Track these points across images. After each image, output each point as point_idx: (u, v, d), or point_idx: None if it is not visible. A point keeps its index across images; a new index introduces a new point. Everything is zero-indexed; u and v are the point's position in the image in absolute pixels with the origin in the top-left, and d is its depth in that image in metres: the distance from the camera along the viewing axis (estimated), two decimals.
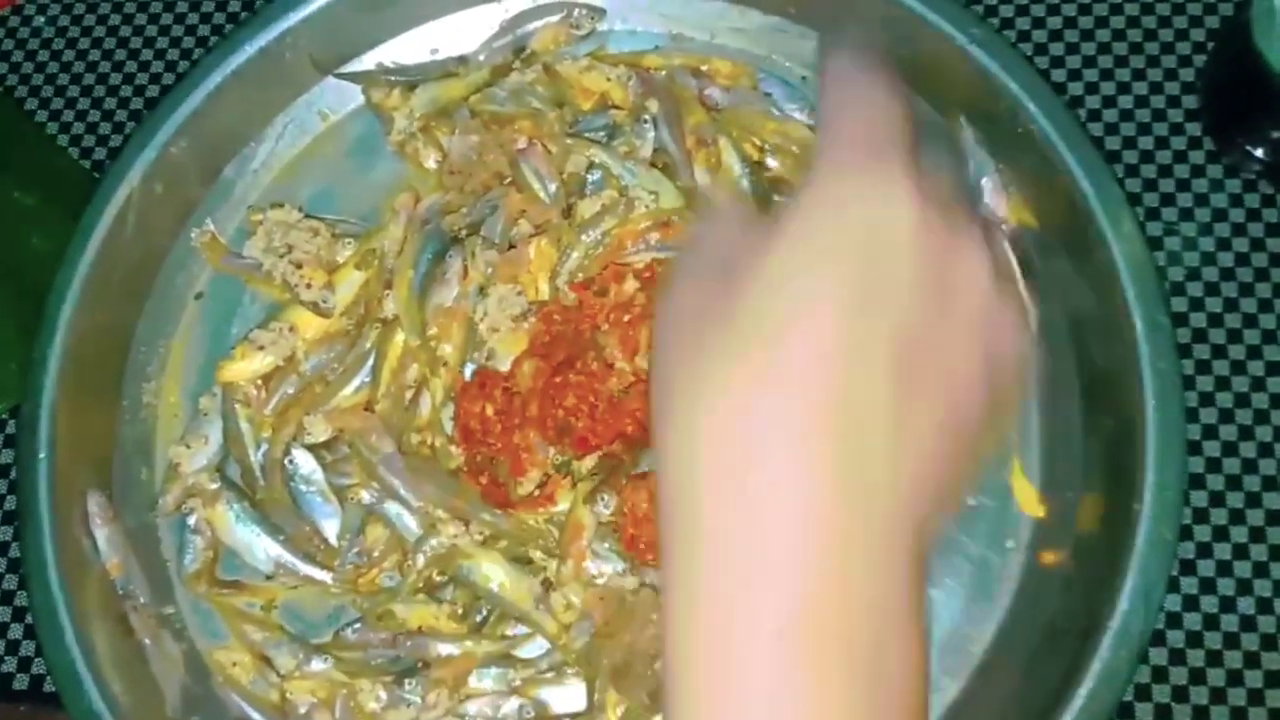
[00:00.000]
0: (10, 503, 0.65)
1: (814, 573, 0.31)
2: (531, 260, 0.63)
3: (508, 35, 0.69)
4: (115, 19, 0.74)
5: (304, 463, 0.61)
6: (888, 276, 0.33)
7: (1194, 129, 0.64)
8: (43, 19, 0.75)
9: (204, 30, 0.74)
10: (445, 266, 0.63)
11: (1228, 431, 0.59)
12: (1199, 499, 0.58)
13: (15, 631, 0.62)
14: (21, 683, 0.61)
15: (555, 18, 0.69)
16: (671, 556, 0.34)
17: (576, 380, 0.58)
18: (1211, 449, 0.59)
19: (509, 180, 0.65)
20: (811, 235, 0.34)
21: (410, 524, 0.60)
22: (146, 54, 0.73)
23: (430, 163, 0.67)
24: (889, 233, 0.33)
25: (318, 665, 0.58)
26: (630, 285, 0.60)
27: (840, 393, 0.32)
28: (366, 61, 0.69)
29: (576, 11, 0.69)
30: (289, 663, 0.58)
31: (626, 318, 0.59)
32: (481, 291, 0.62)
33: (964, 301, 0.34)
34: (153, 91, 0.72)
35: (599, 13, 0.69)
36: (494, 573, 0.58)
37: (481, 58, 0.69)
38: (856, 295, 0.32)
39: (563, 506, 0.59)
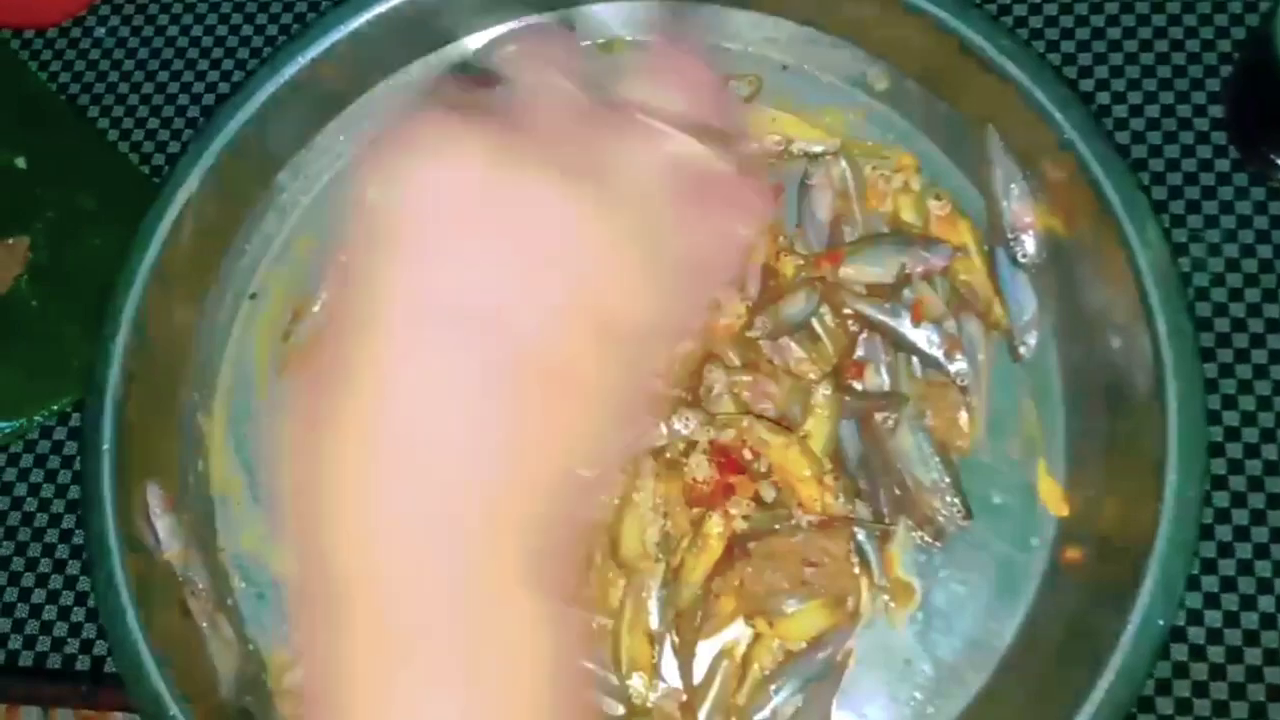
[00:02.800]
0: (74, 492, 0.68)
1: None
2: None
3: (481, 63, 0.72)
4: (173, 30, 0.78)
5: None
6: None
7: (1219, 138, 0.66)
8: (103, 30, 0.78)
9: (258, 41, 0.77)
10: None
11: (1250, 434, 0.61)
12: (1220, 499, 0.60)
13: (78, 614, 0.65)
14: (84, 664, 0.64)
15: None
16: None
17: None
18: (1234, 451, 0.60)
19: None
20: None
21: None
22: (203, 64, 0.76)
23: None
24: None
25: None
26: None
27: None
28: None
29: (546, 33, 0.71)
30: None
31: None
32: None
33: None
34: (209, 100, 0.75)
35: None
36: None
37: None
38: None
39: None
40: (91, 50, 0.78)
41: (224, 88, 0.76)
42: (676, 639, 0.60)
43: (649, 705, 0.59)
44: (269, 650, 0.62)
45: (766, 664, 0.59)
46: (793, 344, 0.63)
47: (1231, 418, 0.61)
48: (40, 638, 0.65)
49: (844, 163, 0.66)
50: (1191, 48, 0.68)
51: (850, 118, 0.68)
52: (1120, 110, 0.67)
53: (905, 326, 0.62)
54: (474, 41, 0.72)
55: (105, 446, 0.62)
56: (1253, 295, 0.63)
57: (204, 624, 0.61)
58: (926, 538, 0.60)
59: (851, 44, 0.69)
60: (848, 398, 0.61)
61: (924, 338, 0.62)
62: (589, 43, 0.72)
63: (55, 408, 0.69)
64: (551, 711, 0.31)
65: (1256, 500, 0.60)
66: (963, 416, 0.62)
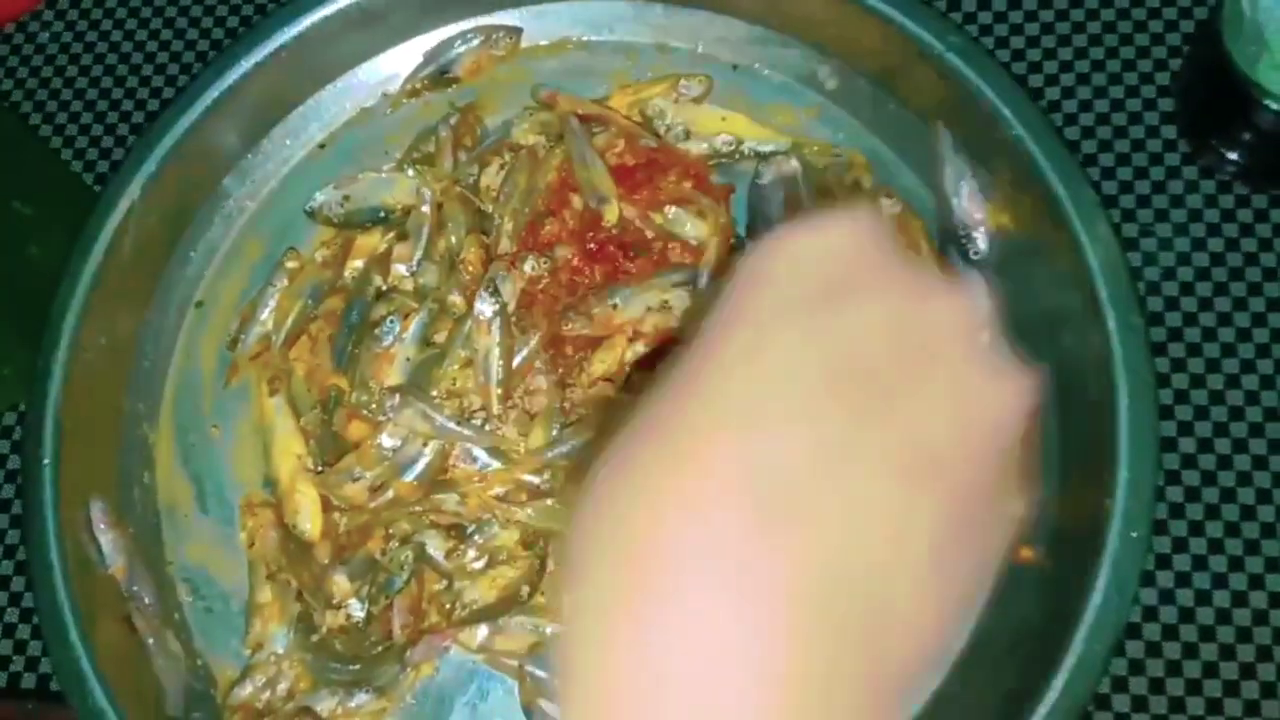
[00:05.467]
0: (17, 506, 0.66)
1: None
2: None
3: (431, 64, 0.71)
4: (117, 35, 0.76)
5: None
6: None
7: (1170, 132, 0.66)
8: (47, 34, 0.77)
9: (203, 45, 0.75)
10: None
11: (1203, 428, 0.60)
12: (1174, 494, 0.59)
13: (23, 632, 0.64)
14: (29, 681, 0.63)
15: (475, 42, 0.71)
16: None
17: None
18: (1187, 445, 0.60)
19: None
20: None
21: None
22: (147, 69, 0.75)
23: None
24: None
25: (361, 698, 0.59)
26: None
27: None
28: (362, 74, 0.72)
29: (495, 34, 0.71)
30: (330, 704, 0.59)
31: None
32: None
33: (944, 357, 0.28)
34: (153, 105, 0.74)
35: (516, 32, 0.71)
36: None
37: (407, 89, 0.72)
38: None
39: None
40: (34, 56, 0.77)
41: (169, 92, 0.74)
42: None
43: None
44: (217, 665, 0.61)
45: None
46: None
47: (1184, 412, 0.61)
48: None
49: (795, 162, 0.65)
50: (1140, 42, 0.68)
51: (801, 117, 0.68)
52: (1070, 105, 0.67)
53: None
54: (422, 43, 0.71)
55: (46, 461, 0.61)
56: (1204, 289, 0.63)
57: (150, 640, 0.60)
58: None
59: (802, 43, 0.68)
60: None
61: None
62: (537, 43, 0.71)
63: None
64: None
65: (1210, 495, 0.59)
66: None
